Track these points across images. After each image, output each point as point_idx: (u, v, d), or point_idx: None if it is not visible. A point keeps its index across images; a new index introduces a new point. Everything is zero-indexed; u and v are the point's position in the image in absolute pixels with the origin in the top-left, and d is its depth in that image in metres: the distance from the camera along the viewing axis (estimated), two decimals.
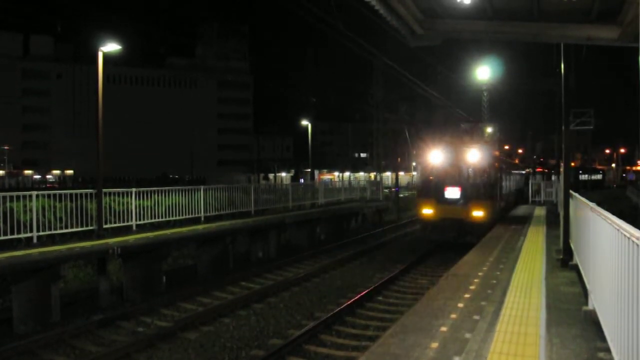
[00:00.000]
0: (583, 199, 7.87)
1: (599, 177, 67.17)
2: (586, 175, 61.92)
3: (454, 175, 17.02)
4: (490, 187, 16.95)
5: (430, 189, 17.39)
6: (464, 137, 20.07)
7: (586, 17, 6.89)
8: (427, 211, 17.16)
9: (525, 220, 18.44)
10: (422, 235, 18.44)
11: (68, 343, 8.44)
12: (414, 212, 23.40)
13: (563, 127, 10.24)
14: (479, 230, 15.65)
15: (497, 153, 21.40)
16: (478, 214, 16.18)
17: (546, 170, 46.06)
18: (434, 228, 17.19)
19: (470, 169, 17.10)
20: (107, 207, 12.86)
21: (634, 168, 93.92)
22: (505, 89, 38.03)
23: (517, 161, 35.82)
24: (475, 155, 16.88)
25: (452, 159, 17.18)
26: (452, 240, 16.77)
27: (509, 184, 23.06)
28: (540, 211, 22.39)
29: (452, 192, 16.71)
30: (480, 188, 16.74)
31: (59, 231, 11.51)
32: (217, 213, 16.39)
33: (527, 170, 35.33)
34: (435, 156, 17.43)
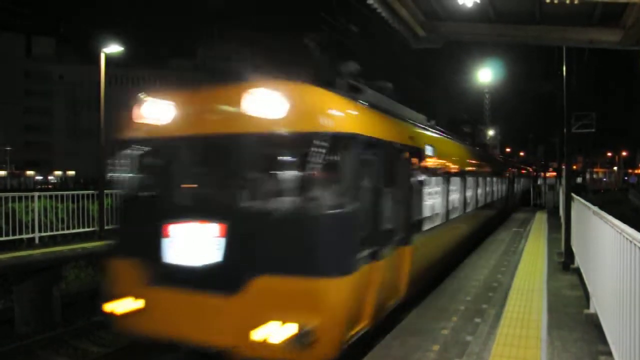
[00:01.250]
0: (585, 202, 7.86)
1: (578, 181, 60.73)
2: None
3: (206, 182, 5.51)
4: (364, 223, 5.13)
5: (133, 231, 5.61)
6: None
7: (588, 20, 6.87)
8: (122, 306, 5.20)
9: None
10: None
11: (69, 344, 8.45)
12: None
13: (565, 130, 10.22)
14: None
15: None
16: (279, 334, 4.31)
17: (529, 169, 42.77)
18: None
19: (272, 161, 5.08)
20: (109, 208, 12.88)
21: (635, 171, 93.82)
22: (507, 91, 38.02)
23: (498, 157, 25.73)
24: (284, 107, 4.81)
25: (203, 124, 5.33)
26: None
27: (476, 193, 12.51)
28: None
29: (195, 245, 4.95)
30: (313, 231, 4.66)
31: (60, 232, 11.54)
32: None
33: (511, 170, 24.52)
34: (151, 116, 5.62)
